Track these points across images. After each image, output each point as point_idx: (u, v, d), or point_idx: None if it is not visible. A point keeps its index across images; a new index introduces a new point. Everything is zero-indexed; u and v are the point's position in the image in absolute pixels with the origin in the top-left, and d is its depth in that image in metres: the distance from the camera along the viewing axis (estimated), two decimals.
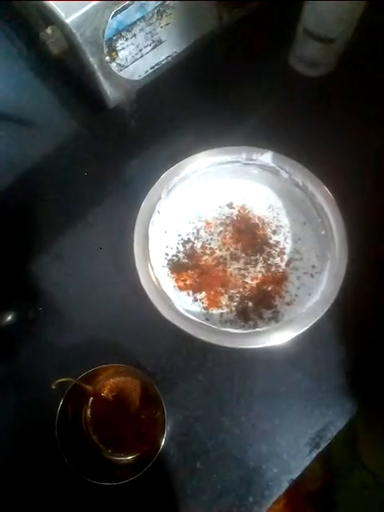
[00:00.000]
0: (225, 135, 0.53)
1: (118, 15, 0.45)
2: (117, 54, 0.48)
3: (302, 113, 0.56)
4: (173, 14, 0.49)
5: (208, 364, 0.48)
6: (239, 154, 0.49)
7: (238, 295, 0.48)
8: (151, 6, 0.46)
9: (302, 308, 0.45)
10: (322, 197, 0.47)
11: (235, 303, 0.47)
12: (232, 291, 0.48)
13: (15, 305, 0.51)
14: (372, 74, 0.58)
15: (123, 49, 0.48)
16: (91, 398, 0.46)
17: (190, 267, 0.49)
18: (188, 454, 0.45)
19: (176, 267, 0.49)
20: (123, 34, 0.47)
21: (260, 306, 0.47)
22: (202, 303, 0.47)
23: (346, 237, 0.46)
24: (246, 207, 0.52)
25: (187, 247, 0.50)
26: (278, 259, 0.49)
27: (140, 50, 0.50)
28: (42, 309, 0.50)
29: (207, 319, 0.46)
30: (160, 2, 0.47)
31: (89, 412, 0.46)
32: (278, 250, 0.50)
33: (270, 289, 0.48)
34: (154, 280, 0.44)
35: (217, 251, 0.50)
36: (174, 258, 0.49)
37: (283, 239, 0.50)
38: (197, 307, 0.47)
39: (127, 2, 0.44)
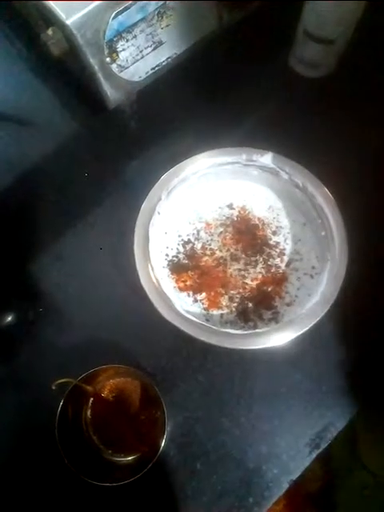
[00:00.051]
0: (225, 136, 0.53)
1: (119, 16, 0.45)
2: (117, 55, 0.48)
3: (302, 114, 0.56)
4: (173, 15, 0.49)
5: (208, 365, 0.48)
6: (239, 155, 0.49)
7: (238, 296, 0.48)
8: (152, 7, 0.47)
9: (301, 309, 0.45)
10: (322, 198, 0.47)
11: (235, 304, 0.47)
12: (232, 292, 0.48)
13: (15, 305, 0.51)
14: (372, 75, 0.58)
15: (124, 50, 0.48)
16: (91, 399, 0.46)
17: (190, 268, 0.49)
18: (188, 455, 0.45)
19: (176, 268, 0.49)
20: (124, 35, 0.47)
21: (260, 306, 0.47)
22: (202, 304, 0.47)
23: (346, 238, 0.46)
24: (246, 208, 0.52)
25: (187, 248, 0.50)
26: (278, 260, 0.49)
27: (140, 52, 0.50)
28: (42, 309, 0.50)
29: (207, 320, 0.46)
30: (160, 4, 0.47)
31: (89, 413, 0.46)
32: (278, 250, 0.50)
33: (270, 290, 0.48)
34: (155, 281, 0.44)
35: (217, 252, 0.50)
36: (175, 258, 0.49)
37: (283, 240, 0.50)
38: (197, 308, 0.47)
39: (128, 2, 0.44)
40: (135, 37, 0.48)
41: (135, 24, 0.47)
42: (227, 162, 0.50)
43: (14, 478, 0.45)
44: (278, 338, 0.43)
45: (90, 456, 0.44)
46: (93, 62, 0.47)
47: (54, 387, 0.40)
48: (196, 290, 0.48)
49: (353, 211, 0.47)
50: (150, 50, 0.51)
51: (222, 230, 0.51)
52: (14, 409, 0.47)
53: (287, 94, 0.58)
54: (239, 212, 0.52)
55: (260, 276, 0.49)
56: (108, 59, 0.48)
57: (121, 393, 0.47)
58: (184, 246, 0.50)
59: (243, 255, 0.50)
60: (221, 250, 0.50)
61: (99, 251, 0.52)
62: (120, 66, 0.50)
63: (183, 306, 0.46)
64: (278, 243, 0.50)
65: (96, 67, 0.48)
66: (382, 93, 0.57)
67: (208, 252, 0.50)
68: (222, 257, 0.49)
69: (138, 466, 0.41)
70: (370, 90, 0.58)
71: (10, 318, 0.51)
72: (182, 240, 0.50)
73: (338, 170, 0.49)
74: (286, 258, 0.49)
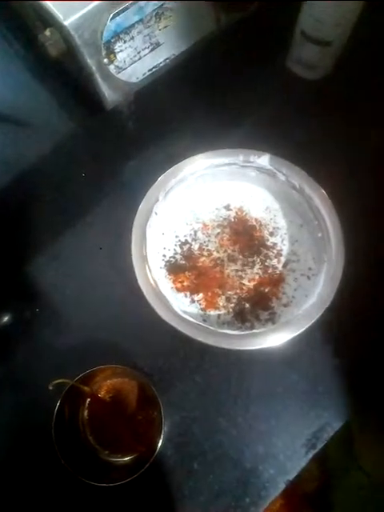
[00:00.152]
0: (222, 137, 0.53)
1: (117, 18, 0.45)
2: (115, 56, 0.48)
3: (299, 115, 0.56)
4: (171, 16, 0.49)
5: (205, 365, 0.48)
6: (236, 156, 0.50)
7: (235, 297, 0.48)
8: (149, 8, 0.47)
9: (298, 310, 0.45)
10: (319, 199, 0.48)
11: (232, 305, 0.48)
12: (229, 293, 0.48)
13: (12, 305, 0.51)
14: (369, 77, 0.58)
15: (121, 51, 0.48)
16: (88, 399, 0.46)
17: (188, 269, 0.49)
18: (185, 455, 0.45)
19: (173, 269, 0.49)
20: (121, 36, 0.47)
21: (257, 307, 0.47)
22: (200, 304, 0.48)
23: (343, 239, 0.46)
24: (243, 209, 0.52)
25: (185, 249, 0.50)
26: (274, 261, 0.50)
27: (138, 53, 0.50)
28: (39, 309, 0.50)
29: (204, 320, 0.47)
30: (158, 5, 0.47)
31: (86, 413, 0.46)
32: (274, 251, 0.50)
33: (266, 290, 0.48)
34: (152, 281, 0.44)
35: (214, 253, 0.50)
36: (172, 259, 0.49)
37: (280, 241, 0.50)
38: (194, 308, 0.47)
39: (126, 4, 0.44)
40: (133, 38, 0.48)
41: (133, 25, 0.47)
42: (224, 163, 0.50)
43: (11, 479, 0.45)
44: (274, 338, 0.43)
45: (86, 456, 0.44)
46: (90, 62, 0.47)
47: (50, 387, 0.40)
48: (193, 290, 0.48)
49: (349, 213, 0.47)
50: (147, 51, 0.51)
51: (219, 230, 0.51)
52: (11, 409, 0.47)
53: (284, 95, 0.58)
54: (236, 213, 0.52)
55: (257, 277, 0.49)
56: (106, 60, 0.48)
57: (118, 393, 0.47)
58: (181, 247, 0.50)
59: (240, 256, 0.50)
60: (218, 251, 0.50)
61: (96, 252, 0.52)
62: (118, 67, 0.50)
63: (180, 306, 0.46)
64: (274, 244, 0.50)
65: (94, 68, 0.48)
66: (378, 94, 0.57)
67: (205, 253, 0.50)
68: (219, 257, 0.50)
69: (135, 466, 0.41)
70: (366, 91, 0.58)
71: (6, 318, 0.51)
72: (180, 241, 0.50)
73: (334, 172, 0.49)
74: (282, 259, 0.50)
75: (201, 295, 0.48)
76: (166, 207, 0.50)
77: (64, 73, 0.55)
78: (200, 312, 0.47)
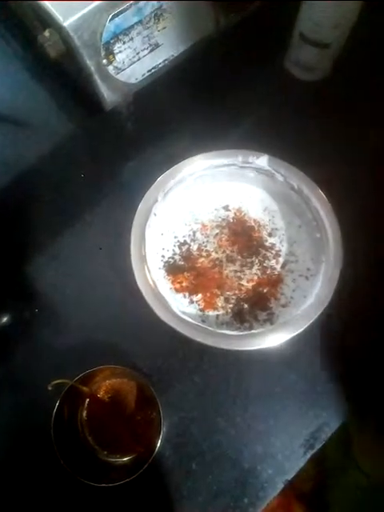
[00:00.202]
0: (221, 138, 0.53)
1: (116, 19, 0.45)
2: (114, 57, 0.48)
3: (297, 117, 0.56)
4: (170, 17, 0.49)
5: (204, 366, 0.48)
6: (235, 157, 0.50)
7: (233, 297, 0.48)
8: (148, 10, 0.47)
9: (297, 310, 0.45)
10: (317, 200, 0.48)
11: (231, 305, 0.48)
12: (228, 293, 0.48)
13: (11, 305, 0.51)
14: (367, 79, 0.59)
15: (120, 52, 0.48)
16: (87, 400, 0.47)
17: (186, 269, 0.49)
18: (184, 455, 0.45)
19: (172, 269, 0.49)
20: (120, 37, 0.47)
21: (255, 307, 0.47)
22: (198, 305, 0.48)
23: (341, 240, 0.46)
24: (241, 210, 0.52)
25: (183, 249, 0.50)
26: (273, 262, 0.50)
27: (137, 54, 0.50)
28: (38, 310, 0.50)
29: (203, 321, 0.47)
30: (157, 6, 0.47)
31: (85, 413, 0.46)
32: (273, 252, 0.50)
33: (265, 291, 0.48)
34: (151, 282, 0.45)
35: (213, 253, 0.50)
36: (171, 260, 0.50)
37: (279, 242, 0.51)
38: (193, 309, 0.48)
39: (125, 5, 0.44)
40: (132, 39, 0.48)
41: (132, 26, 0.47)
42: (223, 164, 0.50)
43: (10, 479, 0.45)
44: (273, 338, 0.43)
45: (85, 457, 0.44)
46: (89, 63, 0.47)
47: (50, 388, 0.40)
48: (192, 291, 0.48)
49: (347, 213, 0.47)
50: (146, 52, 0.51)
51: (217, 231, 0.51)
52: (10, 409, 0.47)
53: (283, 96, 0.58)
54: (235, 214, 0.52)
55: (255, 277, 0.49)
56: (105, 61, 0.48)
57: (117, 393, 0.47)
58: (180, 248, 0.50)
59: (239, 257, 0.50)
60: (217, 252, 0.50)
61: (96, 252, 0.52)
62: (117, 67, 0.50)
63: (179, 307, 0.46)
64: (273, 245, 0.50)
65: (93, 69, 0.48)
66: (377, 95, 0.58)
67: (204, 253, 0.50)
68: (217, 258, 0.50)
69: (134, 467, 0.41)
70: (365, 92, 0.58)
71: (5, 319, 0.51)
72: (178, 241, 0.51)
73: (333, 173, 0.50)
74: (281, 260, 0.50)
75: (199, 296, 0.48)
76: (165, 208, 0.50)
77: (63, 73, 0.55)
78: (199, 312, 0.47)
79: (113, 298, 0.50)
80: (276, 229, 0.51)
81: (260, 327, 0.46)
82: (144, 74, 0.54)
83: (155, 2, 0.47)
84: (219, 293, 0.48)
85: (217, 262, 0.50)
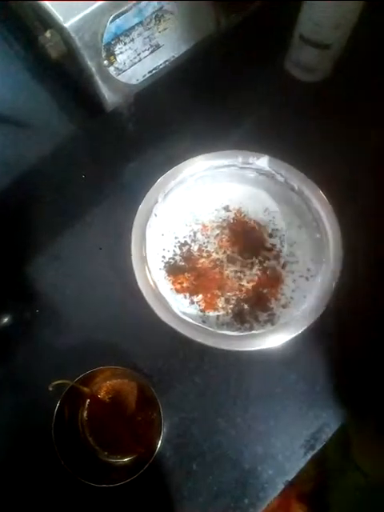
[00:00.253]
0: (222, 139, 0.53)
1: (117, 20, 0.45)
2: (115, 58, 0.48)
3: (298, 117, 0.56)
4: (171, 19, 0.49)
5: (204, 366, 0.48)
6: (236, 158, 0.50)
7: (234, 298, 0.48)
8: (149, 11, 0.47)
9: (297, 311, 0.45)
10: (318, 201, 0.48)
11: (231, 306, 0.48)
12: (228, 294, 0.48)
13: (12, 306, 0.52)
14: (367, 80, 0.59)
15: (121, 53, 0.49)
16: (88, 400, 0.47)
17: (187, 270, 0.49)
18: (184, 456, 0.46)
19: (173, 270, 0.49)
20: (121, 38, 0.47)
21: (256, 308, 0.48)
22: (199, 306, 0.48)
23: (341, 240, 0.46)
24: (242, 211, 0.52)
25: (184, 250, 0.50)
26: (273, 262, 0.50)
27: (138, 55, 0.50)
28: (38, 310, 0.50)
29: (204, 322, 0.47)
30: (158, 8, 0.47)
31: (85, 414, 0.47)
32: (273, 253, 0.50)
33: (265, 291, 0.48)
34: (151, 283, 0.45)
35: (213, 254, 0.50)
36: (171, 260, 0.50)
37: (279, 242, 0.51)
38: (193, 310, 0.48)
39: (126, 6, 0.44)
40: (133, 40, 0.48)
41: (133, 27, 0.47)
42: (224, 165, 0.50)
43: (11, 479, 0.45)
44: (273, 339, 0.43)
45: (86, 457, 0.44)
46: (90, 64, 0.47)
47: (50, 388, 0.40)
48: (192, 291, 0.48)
49: (348, 214, 0.47)
50: (147, 53, 0.51)
51: (218, 232, 0.51)
52: (11, 410, 0.47)
53: (283, 97, 0.58)
54: (235, 214, 0.52)
55: (256, 278, 0.49)
56: (106, 62, 0.48)
57: (117, 394, 0.47)
58: (180, 248, 0.50)
59: (239, 257, 0.50)
60: (217, 252, 0.50)
61: (96, 252, 0.52)
62: (118, 68, 0.50)
63: (180, 307, 0.46)
64: (273, 245, 0.51)
65: (94, 70, 0.48)
66: (377, 96, 0.58)
67: (204, 254, 0.50)
68: (218, 259, 0.50)
69: (135, 467, 0.41)
70: (365, 93, 0.58)
71: (6, 319, 0.51)
72: (179, 242, 0.51)
73: (333, 174, 0.50)
74: (281, 261, 0.50)
75: (200, 296, 0.48)
76: (166, 208, 0.50)
77: (64, 74, 0.55)
78: (199, 313, 0.47)
79: (113, 299, 0.50)
80: (276, 229, 0.51)
81: (260, 328, 0.46)
82: (145, 75, 0.54)
83: (156, 2, 0.47)
84: (220, 293, 0.48)
85: (217, 263, 0.50)
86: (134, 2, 0.45)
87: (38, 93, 0.59)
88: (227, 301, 0.48)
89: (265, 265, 0.50)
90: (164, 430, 0.42)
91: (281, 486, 0.45)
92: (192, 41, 0.54)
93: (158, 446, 0.41)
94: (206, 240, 0.51)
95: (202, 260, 0.50)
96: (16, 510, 0.45)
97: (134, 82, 0.53)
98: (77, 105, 0.58)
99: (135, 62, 0.51)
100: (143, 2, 0.45)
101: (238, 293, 0.48)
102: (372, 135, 0.55)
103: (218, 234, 0.51)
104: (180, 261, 0.50)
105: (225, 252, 0.50)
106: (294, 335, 0.43)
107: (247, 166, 0.50)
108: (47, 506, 0.44)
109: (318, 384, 0.48)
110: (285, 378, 0.48)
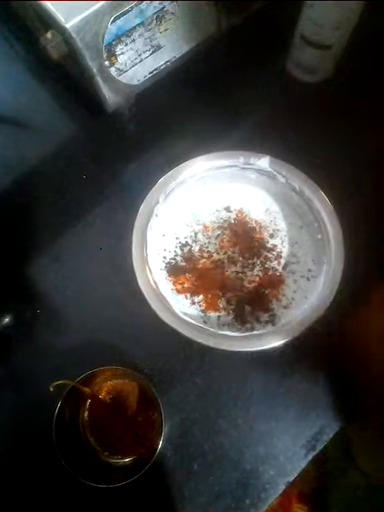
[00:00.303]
0: (222, 140, 0.53)
1: (118, 20, 0.45)
2: (116, 58, 0.48)
3: (299, 118, 0.56)
4: (172, 19, 0.50)
5: (205, 367, 0.48)
6: (237, 158, 0.50)
7: (235, 298, 0.48)
8: (150, 11, 0.47)
9: (298, 311, 0.45)
10: (319, 201, 0.48)
11: (232, 306, 0.48)
12: (229, 294, 0.48)
13: (13, 306, 0.51)
14: (368, 80, 0.59)
15: (122, 54, 0.49)
16: (89, 401, 0.47)
17: (188, 270, 0.49)
18: (185, 456, 0.45)
19: (174, 270, 0.49)
20: (122, 39, 0.47)
21: (257, 309, 0.48)
22: (200, 306, 0.48)
23: (342, 241, 0.46)
24: (243, 211, 0.52)
25: (185, 250, 0.50)
26: (274, 263, 0.50)
27: (139, 55, 0.50)
28: (39, 311, 0.50)
29: (205, 322, 0.47)
30: (159, 8, 0.47)
31: (86, 414, 0.47)
32: (274, 253, 0.50)
33: (267, 292, 0.48)
34: (152, 283, 0.45)
35: (214, 254, 0.50)
36: (172, 261, 0.50)
37: (280, 243, 0.51)
38: (194, 310, 0.48)
39: (128, 6, 0.44)
40: (134, 41, 0.48)
41: (134, 28, 0.47)
42: (225, 166, 0.50)
43: (12, 480, 0.45)
44: (274, 340, 0.43)
45: (87, 458, 0.44)
46: (92, 65, 0.47)
47: (51, 389, 0.40)
48: (193, 292, 0.48)
49: (349, 214, 0.47)
50: (148, 53, 0.51)
51: (219, 232, 0.51)
52: (12, 410, 0.47)
53: (284, 98, 0.58)
54: (236, 215, 0.52)
55: (257, 278, 0.49)
56: (107, 63, 0.48)
57: (118, 394, 0.47)
58: (181, 249, 0.50)
59: (240, 258, 0.50)
60: (218, 253, 0.50)
61: (97, 253, 0.52)
62: (119, 69, 0.50)
63: (181, 308, 0.46)
64: (274, 246, 0.51)
65: (95, 70, 0.48)
66: (378, 97, 0.58)
67: (205, 254, 0.50)
68: (219, 259, 0.50)
69: (135, 468, 0.41)
70: (366, 94, 0.58)
71: (7, 320, 0.50)
72: (180, 242, 0.51)
73: (334, 174, 0.50)
74: (282, 261, 0.50)
75: (201, 297, 0.48)
76: (167, 209, 0.50)
77: (65, 75, 0.55)
78: (200, 313, 0.47)
79: (114, 299, 0.50)
80: (277, 230, 0.51)
81: (261, 328, 0.46)
82: (146, 76, 0.54)
83: (157, 3, 0.47)
84: (221, 294, 0.48)
85: (218, 263, 0.50)
86: (134, 2, 0.45)
87: (38, 93, 0.59)
88: (228, 301, 0.48)
89: (266, 265, 0.50)
90: (165, 431, 0.42)
91: (282, 487, 0.45)
92: (193, 41, 0.55)
93: (159, 446, 0.41)
94: (206, 240, 0.51)
95: (203, 260, 0.50)
96: (16, 510, 0.45)
97: (134, 82, 0.53)
98: (78, 105, 0.58)
99: (136, 62, 0.51)
100: (144, 2, 0.45)
101: (238, 293, 0.48)
102: (373, 135, 0.55)
103: (218, 235, 0.51)
104: (181, 261, 0.50)
105: (226, 252, 0.50)
106: (294, 336, 0.43)
107: (248, 166, 0.50)
108: (48, 507, 0.44)
109: (319, 384, 0.48)
110: (286, 379, 0.48)
